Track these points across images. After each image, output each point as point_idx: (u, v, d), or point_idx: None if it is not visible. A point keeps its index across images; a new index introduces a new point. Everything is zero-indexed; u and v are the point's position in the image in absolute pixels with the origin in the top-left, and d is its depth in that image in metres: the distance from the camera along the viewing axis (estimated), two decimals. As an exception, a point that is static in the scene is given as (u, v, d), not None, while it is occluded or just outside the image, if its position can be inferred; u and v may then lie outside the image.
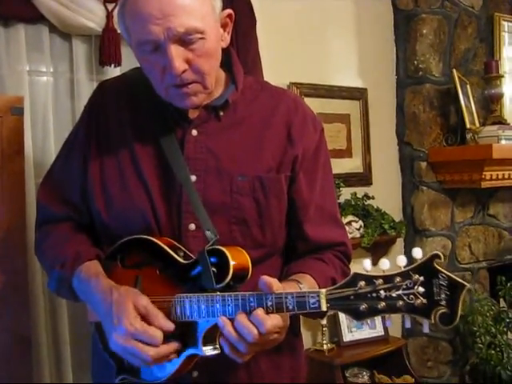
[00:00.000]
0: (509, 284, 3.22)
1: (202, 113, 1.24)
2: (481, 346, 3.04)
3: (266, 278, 1.01)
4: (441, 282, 0.90)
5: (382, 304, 0.92)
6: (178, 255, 1.14)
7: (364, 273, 0.94)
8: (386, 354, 2.80)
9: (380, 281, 0.92)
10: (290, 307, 0.99)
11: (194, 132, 1.23)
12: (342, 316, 2.79)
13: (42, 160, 2.00)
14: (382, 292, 0.92)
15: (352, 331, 2.82)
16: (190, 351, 1.09)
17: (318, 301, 0.96)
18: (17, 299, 1.76)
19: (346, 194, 2.80)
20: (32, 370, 1.81)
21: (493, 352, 3.00)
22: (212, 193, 1.19)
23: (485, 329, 3.06)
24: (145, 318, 1.05)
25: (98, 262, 1.22)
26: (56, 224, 1.31)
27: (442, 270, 0.90)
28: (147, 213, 1.19)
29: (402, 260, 0.93)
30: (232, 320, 1.02)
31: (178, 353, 1.08)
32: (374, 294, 0.92)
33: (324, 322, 2.70)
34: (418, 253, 0.94)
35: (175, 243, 1.17)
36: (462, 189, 3.21)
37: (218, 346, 1.08)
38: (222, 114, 1.25)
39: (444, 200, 3.21)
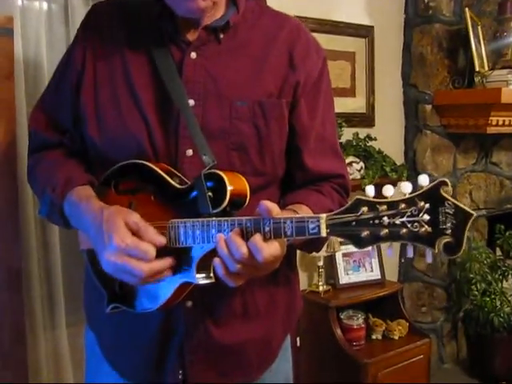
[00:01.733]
0: (507, 233, 3.21)
1: (202, 34, 1.18)
2: (476, 293, 3.07)
3: (265, 203, 0.96)
4: (447, 210, 0.84)
5: (385, 231, 0.86)
6: (174, 181, 1.11)
7: (367, 198, 0.88)
8: (381, 297, 2.80)
9: (384, 207, 0.86)
10: (289, 233, 0.94)
11: (193, 55, 1.16)
12: (338, 258, 2.78)
13: (34, 88, 1.92)
14: (385, 219, 0.86)
15: (348, 274, 2.80)
16: (183, 278, 1.06)
17: (318, 226, 0.91)
18: (8, 229, 1.71)
19: (347, 134, 2.73)
20: (23, 302, 1.79)
21: (487, 299, 3.02)
22: (211, 118, 1.15)
23: (481, 276, 3.08)
24: (136, 234, 1.02)
25: (89, 187, 1.19)
26: (48, 150, 1.28)
27: (449, 198, 0.84)
28: (142, 138, 1.15)
29: (406, 187, 0.87)
30: None
31: (174, 271, 1.06)
32: (377, 221, 0.87)
33: (321, 263, 2.67)
34: (424, 180, 0.87)
35: (171, 169, 1.13)
36: (467, 134, 3.15)
37: (211, 275, 1.04)
38: (222, 36, 1.19)
39: (447, 145, 3.16)
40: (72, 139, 1.26)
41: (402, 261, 3.22)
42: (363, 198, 0.89)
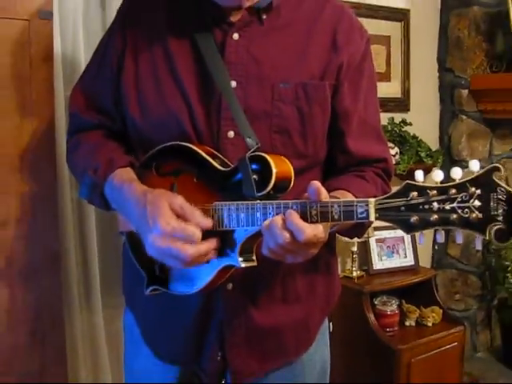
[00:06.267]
0: (545, 220, 3.12)
1: (245, 15, 1.17)
2: (511, 280, 2.98)
3: (316, 184, 0.95)
4: (499, 197, 0.83)
5: (435, 217, 0.85)
6: (216, 163, 1.10)
7: (417, 183, 0.88)
8: (415, 284, 2.77)
9: (434, 192, 0.86)
10: (336, 216, 0.93)
11: (236, 36, 1.16)
12: (372, 244, 2.76)
13: (71, 70, 1.88)
14: (435, 204, 0.85)
15: (382, 259, 2.78)
16: (225, 262, 1.06)
17: (367, 210, 0.90)
18: (45, 212, 1.72)
19: (382, 119, 2.59)
20: (61, 283, 1.80)
21: (523, 287, 2.95)
22: (253, 100, 1.15)
23: (517, 264, 3.00)
24: (181, 217, 1.01)
25: (131, 169, 1.19)
26: (87, 132, 1.29)
27: (502, 184, 0.83)
28: (184, 119, 1.15)
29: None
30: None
31: (217, 254, 1.06)
32: (427, 206, 0.86)
33: (354, 248, 2.67)
34: (475, 165, 0.86)
35: (213, 151, 1.13)
36: (503, 120, 3.06)
37: (254, 258, 1.05)
38: (264, 17, 1.18)
39: (483, 130, 3.10)
40: (112, 120, 1.27)
41: (436, 247, 3.18)
42: (413, 182, 0.88)
